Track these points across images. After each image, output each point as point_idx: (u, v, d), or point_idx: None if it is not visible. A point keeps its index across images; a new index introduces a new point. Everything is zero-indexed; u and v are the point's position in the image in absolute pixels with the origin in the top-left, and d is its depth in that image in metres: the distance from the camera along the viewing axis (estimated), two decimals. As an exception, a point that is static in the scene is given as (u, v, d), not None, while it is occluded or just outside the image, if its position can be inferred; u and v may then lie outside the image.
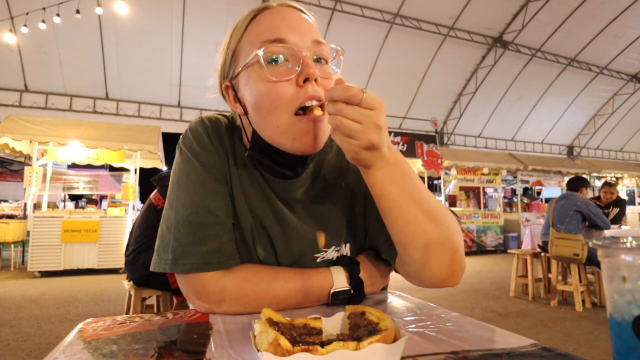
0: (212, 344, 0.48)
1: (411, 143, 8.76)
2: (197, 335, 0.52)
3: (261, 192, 0.71)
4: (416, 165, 8.92)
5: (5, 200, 10.31)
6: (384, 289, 0.78)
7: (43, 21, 6.84)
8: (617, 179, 11.96)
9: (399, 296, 0.74)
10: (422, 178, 9.26)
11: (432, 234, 0.57)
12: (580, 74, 12.39)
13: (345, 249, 0.74)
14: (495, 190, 10.47)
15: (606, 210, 4.61)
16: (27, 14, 6.94)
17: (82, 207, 7.80)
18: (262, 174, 0.71)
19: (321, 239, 0.71)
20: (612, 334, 0.31)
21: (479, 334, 0.51)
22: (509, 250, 5.31)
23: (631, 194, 13.35)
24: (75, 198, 9.56)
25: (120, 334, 0.52)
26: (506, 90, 12.07)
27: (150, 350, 0.46)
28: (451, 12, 9.72)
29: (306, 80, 0.60)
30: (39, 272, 5.70)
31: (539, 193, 14.44)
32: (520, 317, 3.55)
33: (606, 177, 11.42)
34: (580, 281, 3.74)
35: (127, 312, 2.53)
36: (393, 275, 0.75)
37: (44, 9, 6.87)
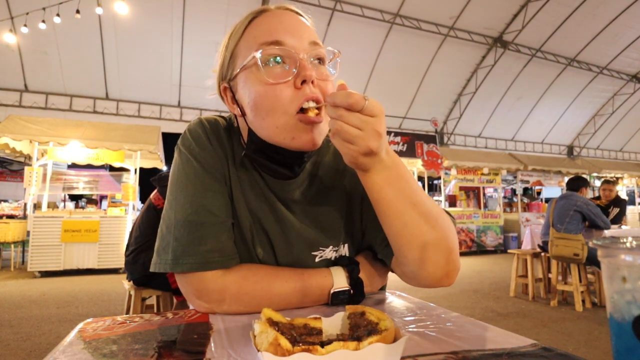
0: (212, 344, 0.48)
1: (411, 143, 8.75)
2: (197, 335, 0.52)
3: (260, 193, 0.71)
4: (416, 165, 8.92)
5: (5, 200, 10.33)
6: (382, 289, 0.78)
7: (43, 21, 6.84)
8: (617, 178, 11.96)
9: (399, 296, 0.74)
10: (422, 178, 9.26)
11: (428, 235, 0.58)
12: (580, 74, 12.38)
13: (344, 250, 0.74)
14: (495, 190, 10.48)
15: (607, 210, 4.61)
16: (27, 14, 6.94)
17: (82, 207, 7.80)
18: (260, 174, 0.71)
19: (320, 239, 0.72)
20: (612, 334, 0.31)
21: (479, 334, 0.51)
22: (509, 250, 5.31)
23: (631, 194, 13.35)
24: (75, 198, 9.55)
25: (120, 334, 0.52)
26: (506, 90, 12.06)
27: (150, 350, 0.46)
28: (451, 12, 9.71)
29: (303, 82, 0.60)
30: (39, 272, 5.70)
31: (539, 193, 14.45)
32: (520, 317, 3.55)
33: (606, 177, 11.41)
34: (580, 281, 3.74)
35: (127, 312, 2.54)
36: (392, 275, 0.75)
37: (44, 9, 6.87)
